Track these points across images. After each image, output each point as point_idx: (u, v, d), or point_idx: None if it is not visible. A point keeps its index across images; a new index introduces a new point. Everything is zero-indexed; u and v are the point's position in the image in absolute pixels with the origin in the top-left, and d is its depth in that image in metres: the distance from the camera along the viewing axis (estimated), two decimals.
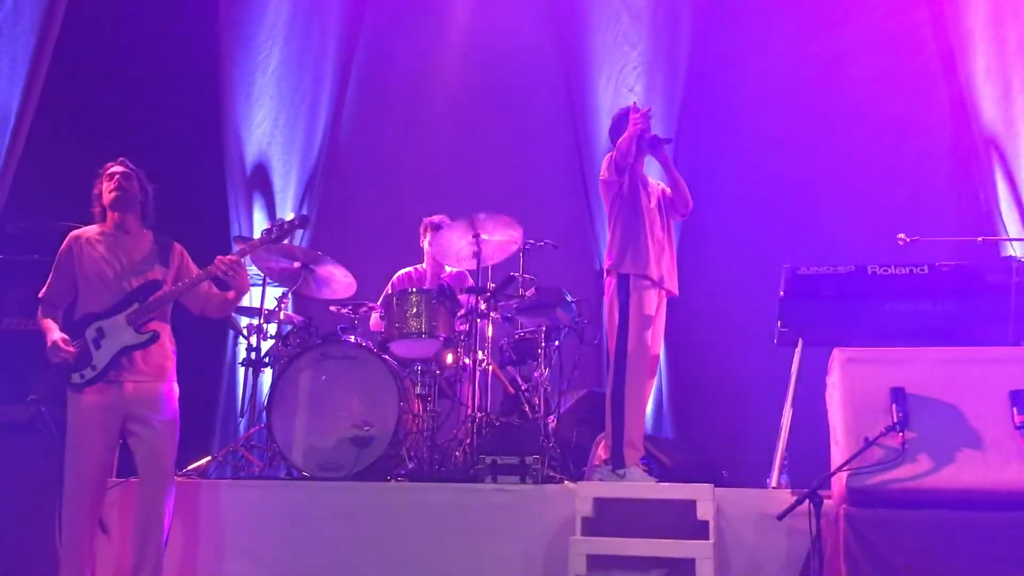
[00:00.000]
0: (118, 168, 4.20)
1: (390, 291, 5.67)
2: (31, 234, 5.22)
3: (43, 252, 4.41)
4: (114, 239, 4.19)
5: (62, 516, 3.99)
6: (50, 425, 4.44)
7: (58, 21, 5.62)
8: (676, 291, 4.73)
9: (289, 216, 4.34)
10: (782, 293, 4.38)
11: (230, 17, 7.27)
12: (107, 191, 4.17)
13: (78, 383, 4.01)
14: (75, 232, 4.23)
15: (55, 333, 4.05)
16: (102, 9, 6.36)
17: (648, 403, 6.42)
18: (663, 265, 4.65)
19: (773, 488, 4.27)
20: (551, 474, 4.61)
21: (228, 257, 4.20)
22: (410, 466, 4.90)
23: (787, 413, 4.40)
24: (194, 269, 4.32)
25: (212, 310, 4.39)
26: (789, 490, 4.09)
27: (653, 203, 4.74)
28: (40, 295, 4.18)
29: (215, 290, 4.34)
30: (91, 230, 4.24)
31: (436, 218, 5.80)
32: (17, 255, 5.13)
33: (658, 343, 4.74)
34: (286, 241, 4.60)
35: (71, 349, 4.01)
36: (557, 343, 5.35)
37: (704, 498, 3.89)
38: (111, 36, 6.55)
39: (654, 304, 4.58)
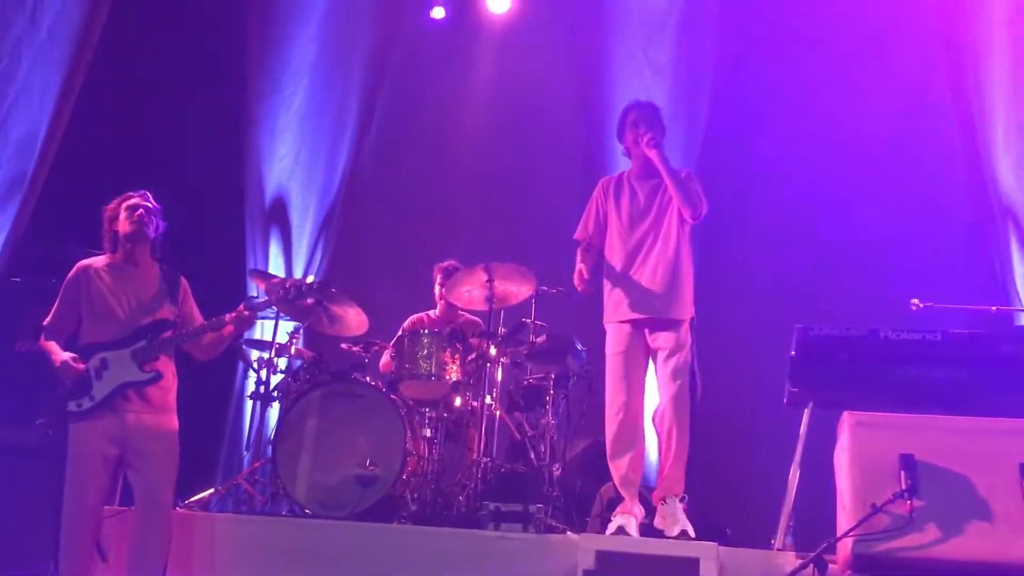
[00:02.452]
0: (141, 202, 4.23)
1: (401, 333, 5.69)
2: (52, 258, 5.27)
3: (59, 276, 4.43)
4: (122, 271, 4.22)
5: (61, 542, 3.98)
6: (55, 449, 4.44)
7: (91, 51, 5.73)
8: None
9: (310, 279, 4.41)
10: (793, 353, 4.37)
11: (258, 53, 7.40)
12: (127, 222, 4.19)
13: (74, 411, 4.03)
14: (83, 262, 4.26)
15: (62, 353, 4.07)
16: (133, 40, 6.48)
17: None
18: None
19: (778, 550, 4.22)
20: (554, 524, 4.57)
21: (243, 317, 4.22)
22: (413, 508, 4.87)
23: (794, 474, 4.35)
24: (194, 307, 4.34)
25: (204, 354, 4.39)
26: (794, 553, 4.04)
27: None
28: (44, 322, 4.21)
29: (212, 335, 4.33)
30: (99, 260, 4.26)
31: (447, 264, 5.84)
32: (36, 278, 5.18)
33: None
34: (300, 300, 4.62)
35: (81, 367, 4.02)
36: (565, 391, 5.33)
37: (708, 556, 3.85)
38: (141, 67, 6.67)
39: None
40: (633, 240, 4.51)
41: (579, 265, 4.59)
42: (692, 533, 4.14)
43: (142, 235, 4.22)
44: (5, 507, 4.70)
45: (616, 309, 4.50)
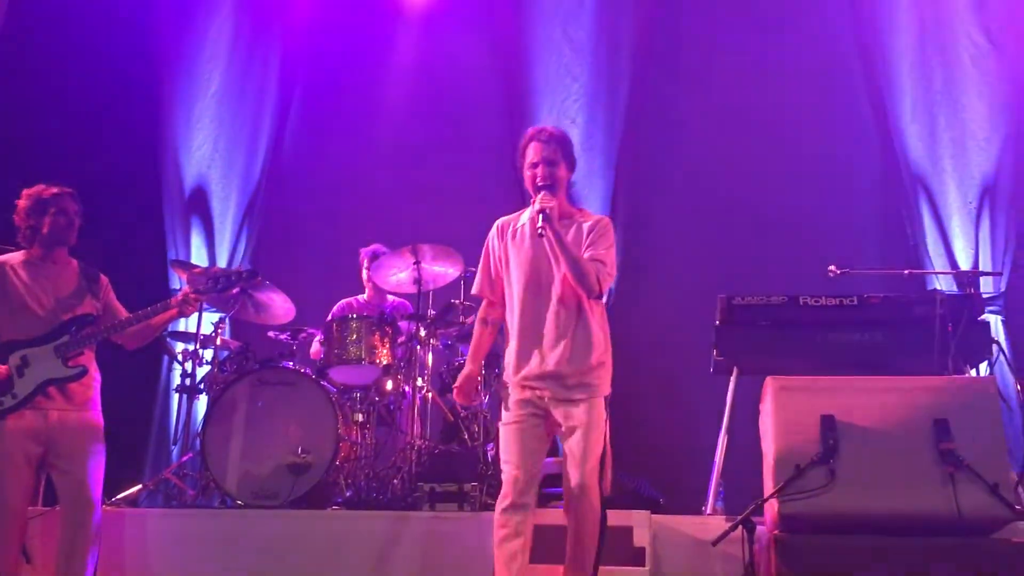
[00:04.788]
0: (69, 202, 4.09)
1: (330, 319, 5.63)
2: None
3: None
4: (40, 268, 4.09)
5: None
6: None
7: None
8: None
9: (239, 268, 4.32)
10: (718, 322, 4.48)
11: (171, 39, 7.21)
12: (54, 223, 4.05)
13: None
14: None
15: None
16: (38, 31, 6.26)
17: None
18: None
19: (708, 515, 4.32)
20: (490, 502, 4.60)
21: (189, 300, 4.14)
22: (348, 494, 4.85)
23: (722, 440, 4.47)
24: (115, 300, 4.23)
25: (136, 342, 4.30)
26: (724, 517, 4.15)
27: None
28: None
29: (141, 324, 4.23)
30: (15, 257, 4.12)
31: (373, 247, 5.80)
32: None
33: None
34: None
35: (2, 368, 3.90)
36: (497, 371, 5.36)
37: (640, 525, 3.93)
38: (48, 60, 6.44)
39: None
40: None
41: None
42: None
43: (68, 238, 4.11)
44: None
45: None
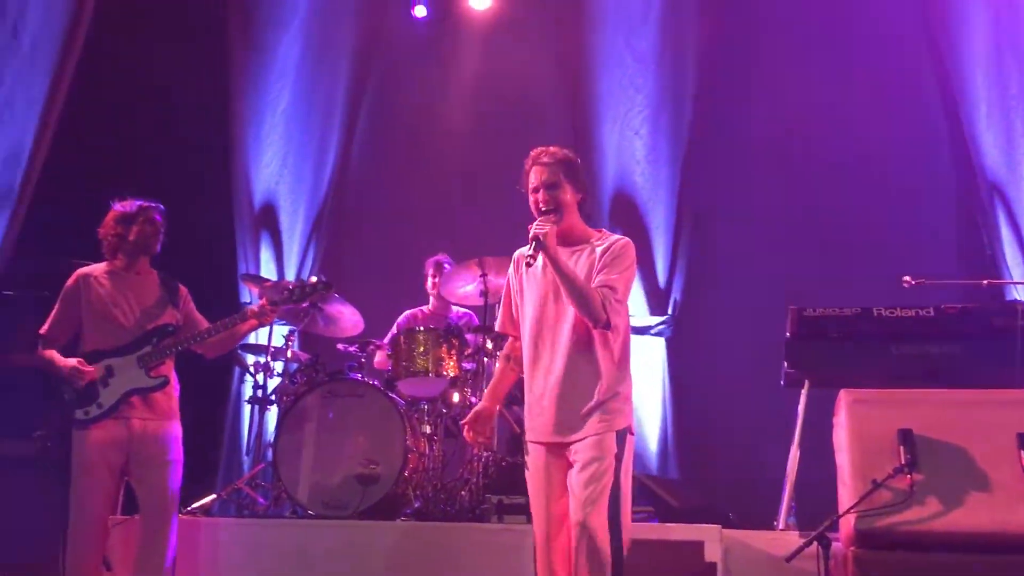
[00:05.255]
0: (156, 213, 4.22)
1: (396, 331, 5.69)
2: (41, 271, 5.26)
3: (52, 289, 4.41)
4: (123, 279, 4.21)
5: (66, 552, 3.97)
6: (56, 461, 4.43)
7: (72, 65, 5.71)
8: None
9: (313, 279, 4.40)
10: (788, 334, 4.41)
11: (241, 58, 7.37)
12: (141, 231, 4.17)
13: (82, 419, 4.01)
14: (82, 269, 4.23)
15: (67, 359, 4.04)
16: (115, 52, 6.46)
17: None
18: None
19: (780, 530, 4.25)
20: None
21: (266, 311, 4.24)
22: (416, 505, 4.88)
23: (794, 454, 4.39)
24: (196, 312, 4.34)
25: (217, 351, 4.40)
26: (797, 532, 4.08)
27: None
28: (41, 330, 4.17)
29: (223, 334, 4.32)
30: (99, 268, 4.24)
31: (438, 257, 5.84)
32: (27, 292, 5.17)
33: None
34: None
35: (91, 370, 4.01)
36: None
37: (712, 539, 3.88)
38: (123, 79, 6.64)
39: None
40: None
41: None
42: None
43: (153, 248, 4.23)
44: (9, 519, 4.69)
45: None
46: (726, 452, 6.29)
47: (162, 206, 4.28)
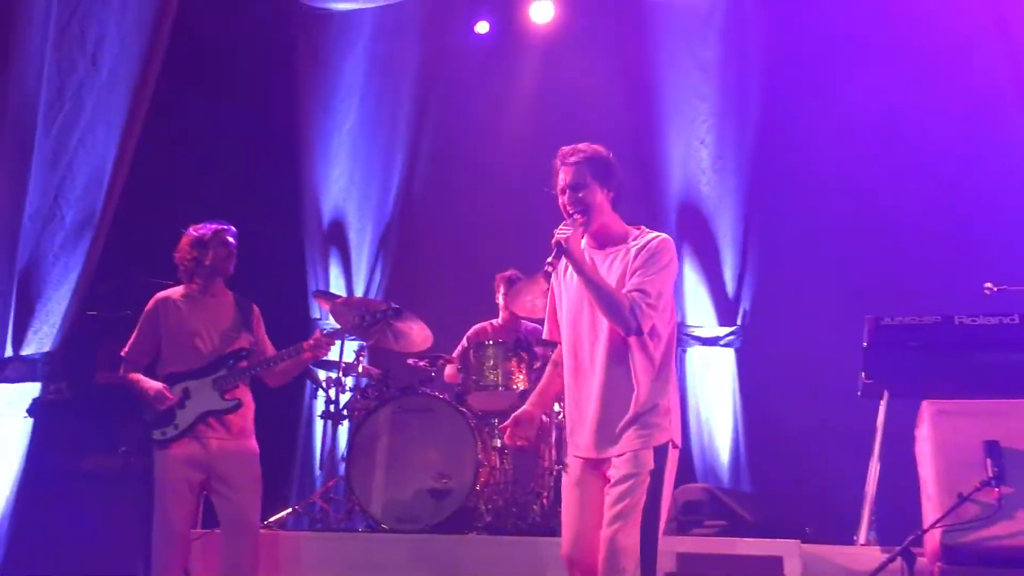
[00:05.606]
0: (229, 236, 4.32)
1: (466, 344, 5.72)
2: (121, 292, 5.42)
3: (133, 308, 4.54)
4: (199, 301, 4.30)
5: (150, 566, 4.07)
6: (139, 476, 4.55)
7: (149, 90, 5.87)
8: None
9: (383, 306, 4.47)
10: (865, 344, 4.32)
11: (309, 79, 7.51)
12: (216, 254, 4.26)
13: (159, 439, 4.12)
14: (161, 293, 4.35)
15: (153, 382, 4.16)
16: (188, 76, 6.63)
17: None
18: None
19: (861, 545, 4.16)
20: None
21: (324, 342, 4.29)
22: (488, 519, 4.90)
23: (874, 467, 4.30)
24: (265, 336, 4.42)
25: (279, 380, 4.48)
26: (879, 547, 3.99)
27: None
28: (123, 353, 4.30)
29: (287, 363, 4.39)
30: (176, 291, 4.35)
31: (509, 272, 5.87)
32: (109, 312, 5.33)
33: None
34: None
35: (174, 397, 4.11)
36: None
37: (791, 554, 3.82)
38: (195, 104, 6.81)
39: None
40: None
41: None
42: None
43: (228, 269, 4.33)
44: (94, 533, 4.83)
45: None
46: (800, 464, 6.18)
47: (234, 228, 4.37)
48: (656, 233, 3.23)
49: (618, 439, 3.04)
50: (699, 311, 6.62)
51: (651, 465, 2.99)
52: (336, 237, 7.48)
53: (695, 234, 6.69)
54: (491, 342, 5.36)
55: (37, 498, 5.21)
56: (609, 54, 7.38)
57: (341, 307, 5.57)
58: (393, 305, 4.50)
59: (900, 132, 6.39)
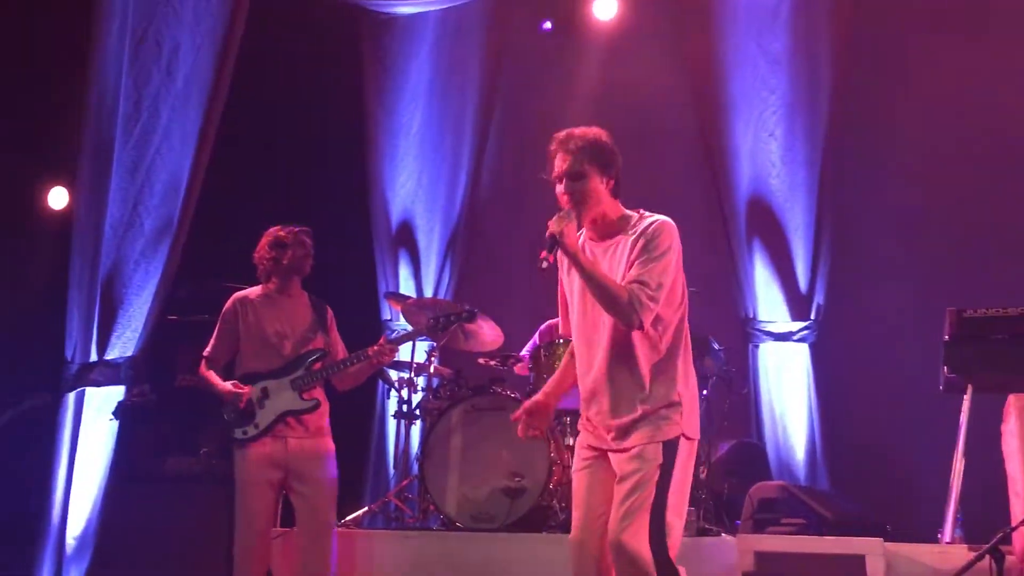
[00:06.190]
0: (306, 237, 4.39)
1: (537, 340, 5.73)
2: (200, 296, 5.55)
3: (212, 312, 4.65)
4: (277, 301, 4.38)
5: (233, 564, 4.16)
6: (221, 477, 4.66)
7: (222, 99, 6.01)
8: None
9: (459, 310, 4.51)
10: (947, 337, 4.21)
11: (375, 84, 7.59)
12: (294, 254, 4.34)
13: (240, 439, 4.20)
14: (239, 293, 4.44)
15: (224, 382, 4.25)
16: (260, 84, 6.77)
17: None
18: None
19: (947, 543, 4.05)
20: (707, 526, 4.52)
21: (387, 349, 4.34)
22: (562, 517, 4.89)
23: (958, 463, 4.19)
24: (338, 337, 4.48)
25: (348, 384, 4.52)
26: (965, 545, 3.88)
27: None
28: (204, 353, 4.39)
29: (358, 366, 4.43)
30: (254, 291, 4.43)
31: None
32: (188, 316, 5.47)
33: None
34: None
35: (246, 391, 4.20)
36: (705, 392, 5.27)
37: (874, 553, 3.75)
38: (268, 110, 6.95)
39: None
40: None
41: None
42: None
43: (305, 269, 4.40)
44: (178, 532, 4.96)
45: None
46: (878, 461, 6.05)
47: (308, 230, 4.45)
48: (654, 217, 3.08)
49: (626, 434, 2.94)
50: (771, 306, 6.51)
51: (660, 460, 2.89)
52: (405, 239, 7.55)
53: (765, 228, 6.57)
54: (562, 340, 5.35)
55: (123, 500, 5.37)
56: (674, 47, 7.30)
57: (412, 308, 5.63)
58: (468, 308, 4.53)
59: (982, 118, 6.20)
